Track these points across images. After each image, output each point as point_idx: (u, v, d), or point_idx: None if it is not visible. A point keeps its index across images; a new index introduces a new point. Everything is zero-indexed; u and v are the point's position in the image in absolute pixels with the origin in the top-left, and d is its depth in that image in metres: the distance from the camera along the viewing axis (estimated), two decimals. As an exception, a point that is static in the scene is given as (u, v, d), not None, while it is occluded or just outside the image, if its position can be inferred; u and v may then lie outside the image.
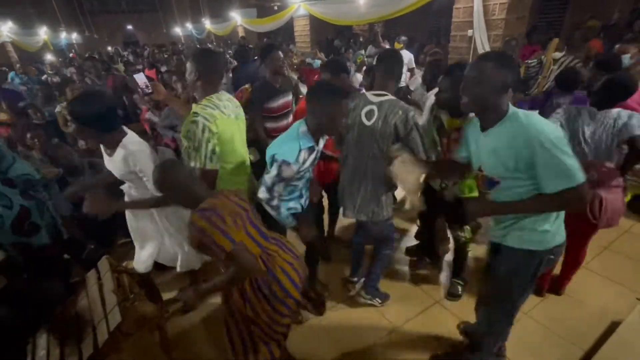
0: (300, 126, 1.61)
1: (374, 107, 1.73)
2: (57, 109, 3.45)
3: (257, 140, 2.52)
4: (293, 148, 1.55)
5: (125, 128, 1.72)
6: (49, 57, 12.61)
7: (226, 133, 1.69)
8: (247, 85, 2.89)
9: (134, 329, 1.60)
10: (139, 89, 3.37)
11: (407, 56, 5.17)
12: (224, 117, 1.68)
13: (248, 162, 1.99)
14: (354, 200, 1.91)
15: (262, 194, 1.61)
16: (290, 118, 2.68)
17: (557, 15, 6.69)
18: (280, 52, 2.56)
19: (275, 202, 1.63)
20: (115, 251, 2.75)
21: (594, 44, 4.39)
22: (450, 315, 2.12)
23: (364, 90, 2.68)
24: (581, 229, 1.84)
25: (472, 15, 5.70)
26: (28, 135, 2.41)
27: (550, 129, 1.14)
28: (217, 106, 1.67)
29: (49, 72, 8.13)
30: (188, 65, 1.69)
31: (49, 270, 2.18)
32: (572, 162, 1.12)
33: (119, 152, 1.65)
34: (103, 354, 1.49)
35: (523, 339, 1.87)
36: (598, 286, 2.25)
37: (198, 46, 12.96)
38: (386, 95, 1.74)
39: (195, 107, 1.64)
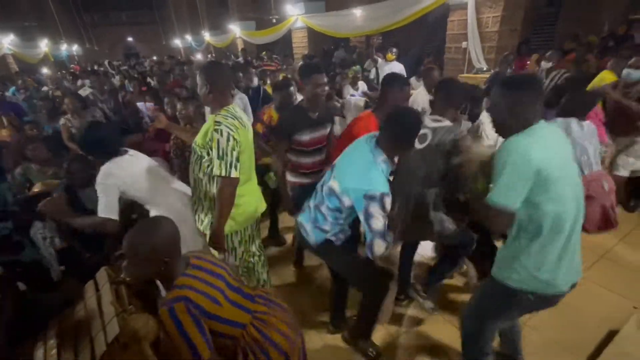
0: (376, 155, 1.54)
1: (428, 132, 1.69)
2: (62, 121, 3.45)
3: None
4: (381, 178, 1.50)
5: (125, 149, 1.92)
6: (45, 70, 12.65)
7: (243, 144, 1.73)
8: (271, 106, 2.70)
9: (131, 341, 1.59)
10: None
11: (398, 67, 5.29)
12: (242, 128, 1.72)
13: (255, 175, 1.99)
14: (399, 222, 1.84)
15: (380, 248, 1.48)
16: (324, 154, 2.30)
17: (548, 27, 6.85)
18: (324, 76, 2.08)
19: (391, 241, 1.50)
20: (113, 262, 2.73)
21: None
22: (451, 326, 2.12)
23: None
24: None
25: (466, 28, 5.84)
26: (29, 147, 2.44)
27: (514, 149, 1.19)
28: (235, 117, 1.71)
29: (50, 86, 8.18)
30: (197, 79, 1.74)
31: (44, 282, 2.18)
32: (503, 184, 1.19)
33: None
34: (100, 367, 1.48)
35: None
36: (595, 295, 2.26)
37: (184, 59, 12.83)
38: (443, 121, 1.74)
39: (216, 117, 1.67)
